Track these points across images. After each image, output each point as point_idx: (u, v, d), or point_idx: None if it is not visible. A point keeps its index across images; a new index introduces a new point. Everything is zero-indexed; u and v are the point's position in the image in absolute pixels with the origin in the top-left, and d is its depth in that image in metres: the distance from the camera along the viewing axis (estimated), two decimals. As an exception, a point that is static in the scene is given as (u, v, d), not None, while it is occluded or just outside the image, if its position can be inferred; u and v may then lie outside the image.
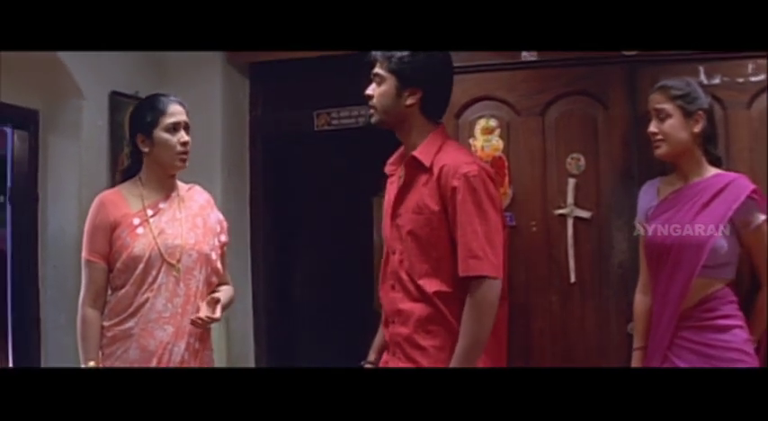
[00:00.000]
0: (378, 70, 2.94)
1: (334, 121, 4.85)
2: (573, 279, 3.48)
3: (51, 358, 4.16)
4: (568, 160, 3.53)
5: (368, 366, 3.15)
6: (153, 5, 2.78)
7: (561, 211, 3.52)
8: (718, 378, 2.45)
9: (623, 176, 3.42)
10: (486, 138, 3.60)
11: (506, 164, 3.57)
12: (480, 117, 3.62)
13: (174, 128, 3.16)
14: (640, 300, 3.26)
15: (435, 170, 2.85)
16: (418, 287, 2.87)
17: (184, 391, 2.36)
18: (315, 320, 5.25)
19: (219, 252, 3.31)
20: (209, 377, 2.63)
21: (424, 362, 2.85)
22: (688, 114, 3.11)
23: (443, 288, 2.84)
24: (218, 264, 3.28)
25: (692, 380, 2.43)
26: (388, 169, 3.11)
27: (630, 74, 3.45)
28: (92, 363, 3.04)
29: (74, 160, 4.27)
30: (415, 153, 2.91)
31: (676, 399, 2.28)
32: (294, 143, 5.13)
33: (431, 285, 2.85)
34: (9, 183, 4.48)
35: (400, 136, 3.02)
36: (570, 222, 3.50)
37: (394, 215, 2.96)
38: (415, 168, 2.92)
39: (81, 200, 4.17)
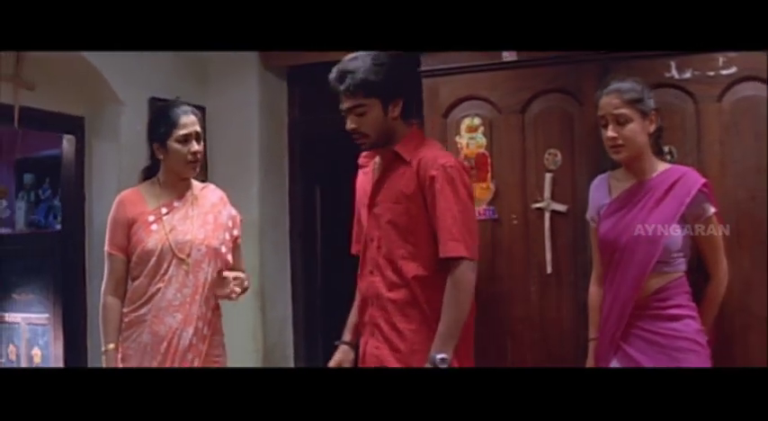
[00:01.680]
0: (356, 102, 3.23)
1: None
2: (549, 270, 3.79)
3: (96, 342, 4.74)
4: (546, 156, 3.83)
5: (343, 346, 3.56)
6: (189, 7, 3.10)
7: (538, 205, 3.83)
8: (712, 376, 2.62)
9: (597, 171, 3.65)
10: (470, 136, 3.94)
11: (489, 160, 3.91)
12: (465, 116, 3.96)
13: (185, 139, 3.58)
14: (595, 292, 3.50)
15: (414, 162, 3.24)
16: (396, 272, 3.27)
17: (188, 390, 2.57)
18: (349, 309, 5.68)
19: (231, 245, 3.72)
20: (213, 377, 2.84)
21: (401, 344, 3.25)
22: (645, 116, 3.28)
23: (421, 272, 3.23)
24: (229, 257, 3.67)
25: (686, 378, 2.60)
26: (361, 161, 3.51)
27: (604, 71, 3.69)
28: (111, 346, 3.50)
29: (114, 162, 4.87)
30: (396, 147, 3.28)
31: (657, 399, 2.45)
32: (329, 143, 5.58)
33: (409, 269, 3.23)
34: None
35: (389, 145, 3.36)
36: (547, 216, 3.80)
37: (371, 205, 3.35)
38: (394, 161, 3.30)
39: (120, 197, 4.74)
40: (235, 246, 3.77)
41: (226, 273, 3.61)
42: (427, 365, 3.14)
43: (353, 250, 3.58)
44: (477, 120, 3.94)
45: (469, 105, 3.98)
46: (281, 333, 5.43)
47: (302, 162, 5.60)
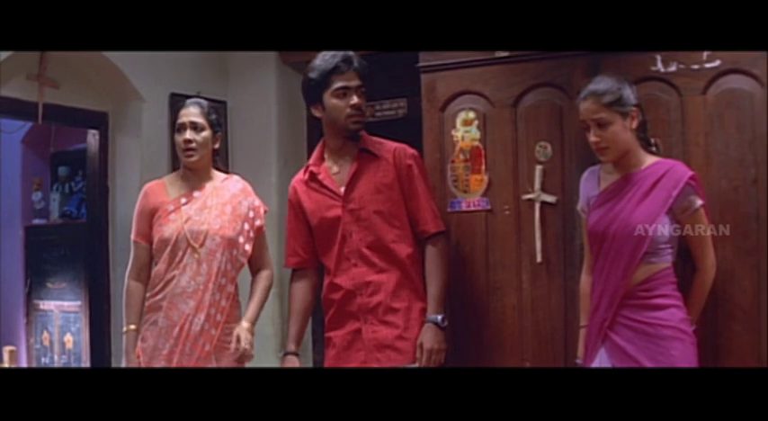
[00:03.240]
0: (361, 82, 3.79)
1: (378, 113, 5.58)
2: (539, 259, 4.00)
3: (118, 328, 5.07)
4: (537, 148, 4.05)
5: (290, 356, 3.81)
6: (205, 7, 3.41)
7: (529, 196, 4.04)
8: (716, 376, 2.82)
9: (586, 163, 3.84)
10: (465, 129, 4.17)
11: (483, 152, 4.14)
12: (461, 109, 4.20)
13: (180, 128, 3.88)
14: (586, 281, 3.69)
15: (387, 155, 3.76)
16: (386, 256, 3.70)
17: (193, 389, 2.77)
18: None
19: (250, 235, 3.95)
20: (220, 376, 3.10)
21: (399, 321, 3.66)
22: (625, 116, 3.43)
23: (411, 250, 3.73)
24: (247, 247, 3.92)
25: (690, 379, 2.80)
26: (313, 169, 3.83)
27: (593, 64, 3.89)
28: (132, 327, 3.82)
29: (136, 156, 5.21)
30: (364, 146, 3.78)
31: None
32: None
33: (401, 249, 3.71)
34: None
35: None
36: (537, 206, 4.02)
37: (347, 202, 3.72)
38: (362, 158, 3.76)
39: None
40: (257, 236, 4.03)
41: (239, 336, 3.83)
42: (426, 330, 3.62)
43: (289, 263, 3.94)
44: (471, 114, 4.17)
45: (465, 99, 4.20)
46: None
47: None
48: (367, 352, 3.65)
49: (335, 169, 3.80)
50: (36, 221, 6.74)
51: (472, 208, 4.13)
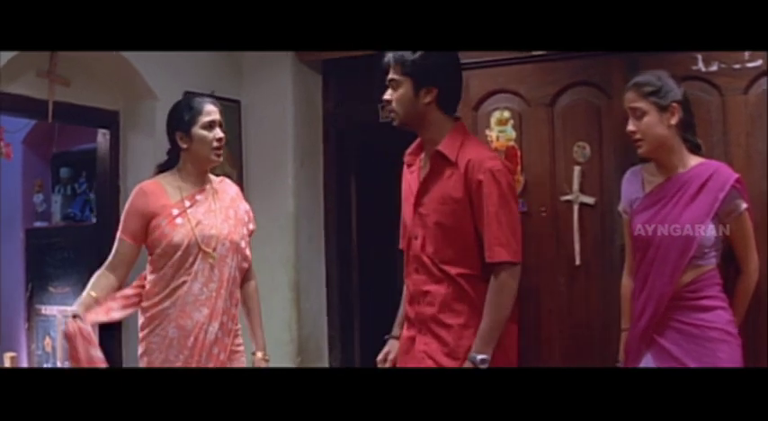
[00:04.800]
0: (393, 76, 3.50)
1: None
2: (578, 261, 4.04)
3: (132, 334, 5.02)
4: (575, 148, 4.08)
5: (392, 340, 3.81)
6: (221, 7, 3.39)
7: (567, 198, 4.08)
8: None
9: (625, 163, 3.89)
10: (500, 129, 4.20)
11: (519, 153, 4.18)
12: (495, 109, 4.24)
13: (210, 125, 3.76)
14: (627, 284, 3.73)
15: (461, 164, 3.44)
16: (442, 270, 3.48)
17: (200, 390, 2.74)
18: (387, 301, 5.98)
19: (247, 240, 3.92)
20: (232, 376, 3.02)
21: (449, 339, 3.47)
22: (663, 109, 3.47)
23: (467, 271, 3.46)
24: (247, 251, 3.89)
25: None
26: (407, 159, 3.70)
27: (631, 63, 3.92)
28: (93, 293, 3.69)
29: (149, 156, 5.15)
30: (440, 148, 3.48)
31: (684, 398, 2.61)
32: (362, 134, 5.90)
33: (455, 269, 3.46)
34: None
35: (420, 132, 3.61)
36: (576, 208, 4.06)
37: (417, 203, 3.55)
38: (439, 162, 3.50)
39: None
40: (249, 241, 3.97)
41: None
42: (467, 365, 3.40)
43: (401, 245, 3.77)
44: (506, 114, 4.20)
45: (499, 98, 4.25)
46: (316, 324, 5.74)
47: (337, 154, 5.91)
48: (417, 362, 3.53)
49: (424, 165, 3.63)
50: (37, 224, 6.70)
51: (507, 209, 4.14)
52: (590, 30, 3.36)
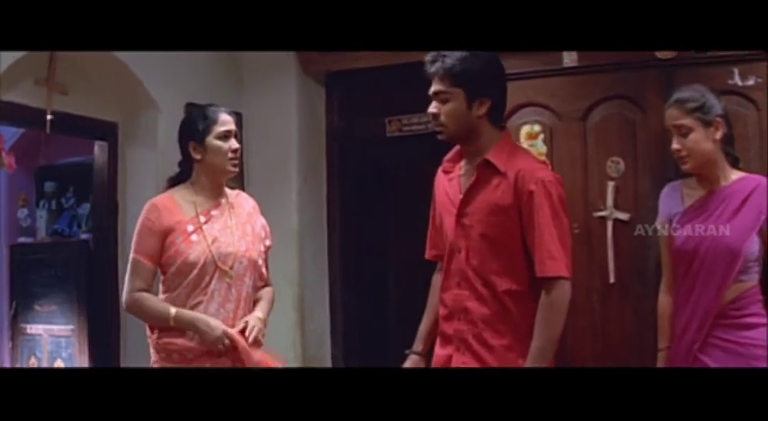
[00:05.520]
0: (441, 87, 3.24)
1: (405, 128, 5.51)
2: (612, 279, 4.00)
3: (130, 358, 4.91)
4: (608, 163, 4.07)
5: (413, 356, 3.57)
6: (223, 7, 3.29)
7: (601, 214, 4.05)
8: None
9: (660, 179, 3.89)
10: (530, 144, 4.16)
11: (550, 168, 4.09)
12: (525, 123, 4.21)
13: (225, 136, 3.59)
14: (665, 301, 3.66)
15: (510, 174, 3.21)
16: (487, 285, 3.24)
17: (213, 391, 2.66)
18: (391, 321, 5.91)
19: (264, 257, 3.74)
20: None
21: (491, 360, 3.22)
22: (707, 124, 3.42)
23: (514, 286, 3.22)
24: (264, 269, 3.71)
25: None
26: (445, 165, 3.46)
27: (667, 77, 3.95)
28: (174, 310, 3.46)
29: (150, 169, 5.01)
30: (489, 157, 3.24)
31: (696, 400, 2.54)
32: (368, 149, 5.82)
33: (501, 283, 3.22)
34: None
35: (466, 144, 3.34)
36: (610, 224, 4.04)
37: (460, 214, 3.31)
38: (487, 171, 3.26)
39: (157, 207, 4.94)
40: (266, 257, 3.83)
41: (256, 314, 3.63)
42: None
43: (429, 255, 3.58)
44: (537, 128, 4.16)
45: (528, 112, 4.23)
46: (320, 346, 5.64)
47: (340, 169, 5.80)
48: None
49: (466, 174, 3.38)
50: (22, 239, 6.49)
51: (538, 226, 4.08)
52: (591, 29, 3.26)
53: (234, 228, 3.63)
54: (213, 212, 3.62)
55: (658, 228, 3.73)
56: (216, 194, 3.66)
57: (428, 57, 3.26)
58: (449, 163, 3.47)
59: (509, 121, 4.20)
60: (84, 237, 6.09)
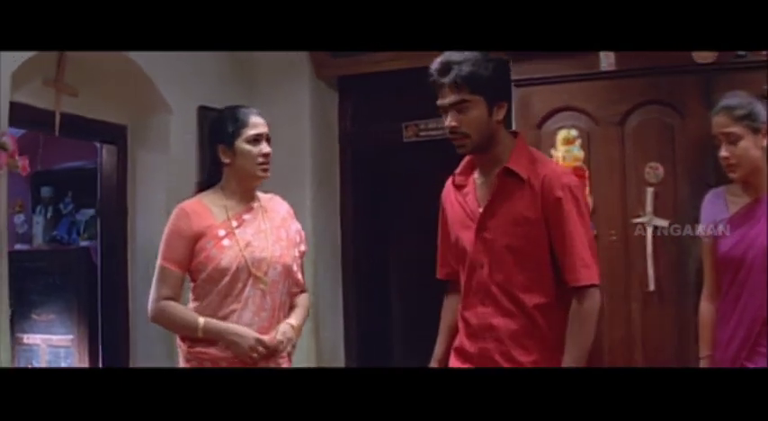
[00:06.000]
0: (459, 96, 3.03)
1: (422, 133, 5.44)
2: (652, 287, 3.95)
3: (140, 334, 4.86)
4: (647, 169, 4.03)
5: None
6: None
7: (640, 220, 4.01)
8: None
9: (699, 185, 3.87)
10: (566, 149, 4.11)
11: (587, 173, 4.10)
12: (561, 127, 4.16)
13: (255, 139, 3.48)
14: (707, 309, 3.62)
15: (535, 182, 3.06)
16: (513, 300, 3.09)
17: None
18: (406, 328, 5.84)
19: (299, 263, 3.62)
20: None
21: None
22: (756, 131, 3.40)
23: (542, 300, 3.08)
24: (299, 275, 3.59)
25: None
26: (457, 180, 3.27)
27: (706, 82, 3.93)
28: (202, 320, 3.36)
29: (162, 174, 4.93)
30: (510, 165, 3.08)
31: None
32: (383, 154, 5.75)
33: (530, 298, 3.07)
34: (98, 197, 5.18)
35: (485, 154, 3.15)
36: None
37: (481, 228, 3.13)
38: (508, 180, 3.09)
39: (169, 212, 4.80)
40: (301, 263, 3.69)
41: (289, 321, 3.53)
42: None
43: (441, 274, 3.41)
44: (573, 132, 4.11)
45: (564, 116, 4.18)
46: (334, 353, 5.59)
47: (354, 175, 5.73)
48: None
49: (482, 185, 3.20)
50: (18, 246, 6.33)
51: (574, 233, 4.03)
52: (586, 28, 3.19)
53: (268, 232, 3.52)
54: (245, 216, 3.51)
55: (701, 235, 3.70)
56: (248, 198, 3.55)
57: (436, 66, 3.07)
58: (461, 176, 3.28)
59: (544, 126, 4.18)
60: (84, 244, 5.97)
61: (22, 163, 4.32)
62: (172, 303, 3.42)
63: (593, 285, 3.06)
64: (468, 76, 3.01)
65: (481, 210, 3.14)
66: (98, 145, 5.12)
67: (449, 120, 3.06)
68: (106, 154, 5.03)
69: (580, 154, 4.10)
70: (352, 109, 5.77)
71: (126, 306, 4.94)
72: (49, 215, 6.33)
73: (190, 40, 3.31)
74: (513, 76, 4.15)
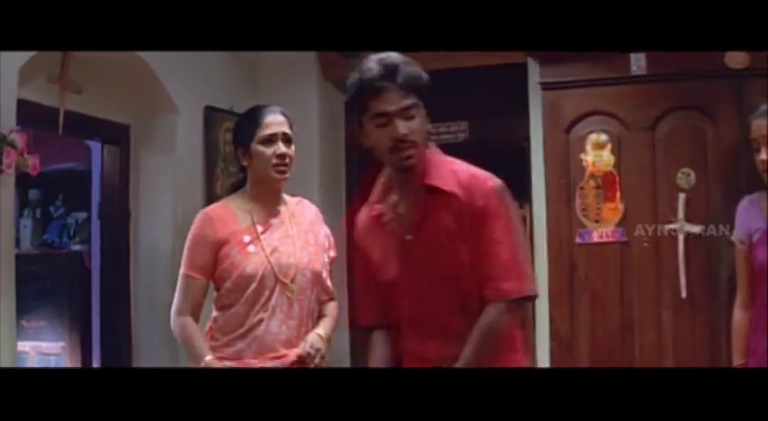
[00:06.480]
0: (409, 101, 2.65)
1: (433, 137, 5.33)
2: (684, 294, 3.95)
3: (142, 337, 4.76)
4: (679, 175, 4.03)
5: None
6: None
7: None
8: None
9: (732, 191, 3.85)
10: (597, 154, 4.10)
11: (617, 179, 4.09)
12: (590, 132, 4.14)
13: (269, 140, 3.34)
14: (741, 317, 3.55)
15: (459, 192, 2.68)
16: (466, 325, 2.70)
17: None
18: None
19: (329, 269, 3.48)
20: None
21: None
22: None
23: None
24: (329, 282, 3.45)
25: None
26: (377, 208, 2.83)
27: (738, 87, 3.95)
28: (209, 357, 3.21)
29: (167, 176, 4.82)
30: (431, 181, 2.69)
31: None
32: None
33: (460, 322, 2.71)
34: (98, 199, 5.05)
35: (410, 167, 2.72)
36: (681, 237, 3.99)
37: (408, 258, 2.76)
38: (433, 198, 2.70)
39: (176, 216, 4.72)
40: (331, 269, 3.52)
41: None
42: None
43: (367, 321, 2.93)
44: (603, 137, 4.10)
45: (594, 120, 4.17)
46: (341, 359, 5.51)
47: (360, 180, 5.65)
48: None
49: (404, 208, 2.76)
50: (5, 250, 6.18)
51: (605, 239, 4.05)
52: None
53: (295, 237, 3.37)
54: (272, 221, 3.37)
55: (736, 242, 3.69)
56: (274, 202, 3.41)
57: (377, 68, 2.65)
58: (380, 204, 2.83)
59: (573, 130, 4.15)
60: (76, 248, 5.81)
61: (33, 161, 4.22)
62: (191, 324, 3.29)
63: (517, 298, 2.68)
64: (415, 78, 2.67)
65: (410, 237, 2.74)
66: (98, 145, 5.01)
67: (400, 128, 2.63)
68: (108, 155, 4.91)
69: (611, 159, 4.09)
70: (360, 111, 5.70)
71: (128, 313, 4.82)
72: (37, 218, 6.18)
73: (198, 40, 3.22)
74: (542, 79, 4.15)
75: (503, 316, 2.65)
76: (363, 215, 2.87)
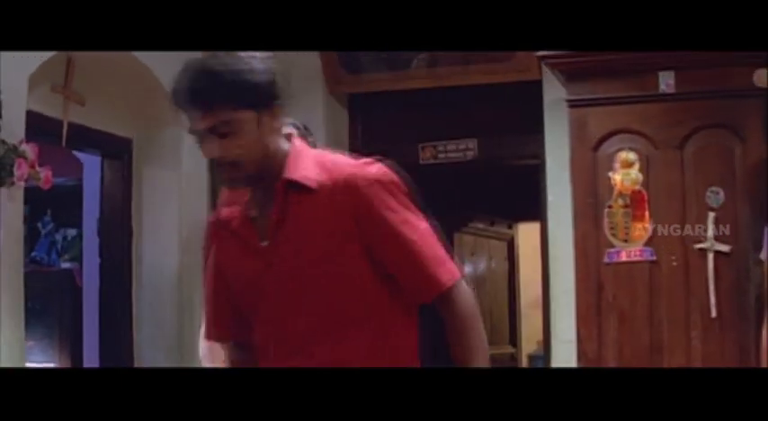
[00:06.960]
0: (224, 117, 2.22)
1: (441, 155, 5.31)
2: (714, 313, 3.95)
3: (144, 335, 4.71)
4: (707, 194, 4.02)
5: None
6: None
7: (701, 246, 4.00)
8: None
9: (762, 209, 3.86)
10: (625, 172, 4.09)
11: (646, 198, 4.07)
12: (619, 150, 4.13)
13: None
14: None
15: (332, 186, 2.30)
16: (341, 336, 2.39)
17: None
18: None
19: None
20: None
21: None
22: None
23: (378, 325, 2.40)
24: None
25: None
26: (224, 215, 2.47)
27: (766, 106, 3.93)
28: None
29: (172, 192, 4.75)
30: (290, 176, 2.32)
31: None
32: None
33: (362, 329, 2.38)
34: (96, 214, 4.93)
35: (259, 175, 2.33)
36: (710, 256, 3.99)
37: (272, 263, 2.37)
38: (293, 195, 2.34)
39: (181, 233, 4.61)
40: None
41: None
42: None
43: (211, 336, 2.63)
44: (632, 155, 4.09)
45: (621, 139, 4.16)
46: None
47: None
48: None
49: (260, 209, 2.40)
50: (-10, 268, 6.01)
51: (633, 258, 4.03)
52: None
53: None
54: None
55: (764, 260, 3.71)
56: None
57: (180, 74, 2.26)
58: (228, 208, 2.48)
59: (600, 148, 4.13)
60: (65, 265, 5.67)
61: (45, 174, 4.10)
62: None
63: (455, 284, 2.32)
64: (229, 91, 2.24)
65: (266, 243, 2.37)
66: (95, 159, 4.90)
67: (210, 151, 2.26)
68: (108, 169, 4.80)
69: (639, 177, 4.08)
70: (363, 127, 5.63)
71: (130, 336, 4.71)
72: (23, 234, 6.02)
73: (202, 44, 3.10)
74: (569, 97, 4.14)
75: (456, 300, 2.31)
76: (212, 220, 2.51)
